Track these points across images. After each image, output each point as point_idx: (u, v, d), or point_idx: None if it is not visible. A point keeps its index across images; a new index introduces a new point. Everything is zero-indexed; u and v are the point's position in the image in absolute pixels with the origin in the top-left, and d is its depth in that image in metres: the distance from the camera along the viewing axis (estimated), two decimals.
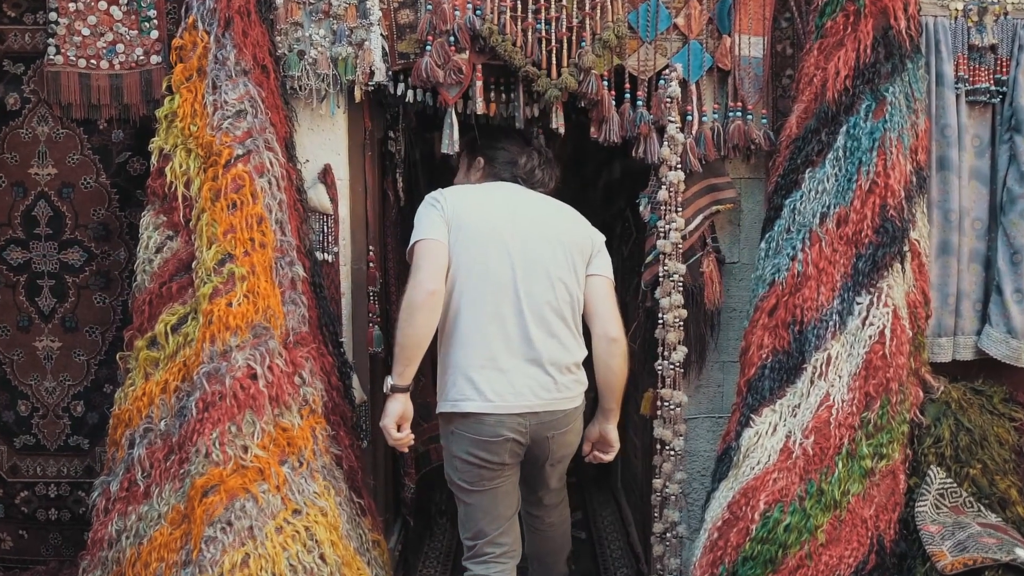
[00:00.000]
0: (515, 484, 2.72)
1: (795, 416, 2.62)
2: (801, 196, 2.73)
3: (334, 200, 2.90)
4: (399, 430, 2.62)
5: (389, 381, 2.61)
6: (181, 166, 2.66)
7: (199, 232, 2.59)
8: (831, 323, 2.63)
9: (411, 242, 2.61)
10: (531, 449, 2.65)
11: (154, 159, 2.69)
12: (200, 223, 2.60)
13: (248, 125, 2.64)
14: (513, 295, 2.59)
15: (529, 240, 2.62)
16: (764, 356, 2.72)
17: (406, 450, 2.77)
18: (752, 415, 2.69)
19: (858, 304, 2.61)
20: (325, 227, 2.91)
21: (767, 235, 2.81)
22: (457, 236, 2.59)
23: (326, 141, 2.90)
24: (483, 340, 2.58)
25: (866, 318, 2.60)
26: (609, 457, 2.87)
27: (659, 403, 2.96)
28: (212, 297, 2.52)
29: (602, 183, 4.79)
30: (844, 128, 2.68)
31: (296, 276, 2.70)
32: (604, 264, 2.74)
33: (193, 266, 2.60)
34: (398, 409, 2.61)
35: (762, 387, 2.71)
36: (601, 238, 2.76)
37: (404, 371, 2.59)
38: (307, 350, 2.69)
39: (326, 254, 2.92)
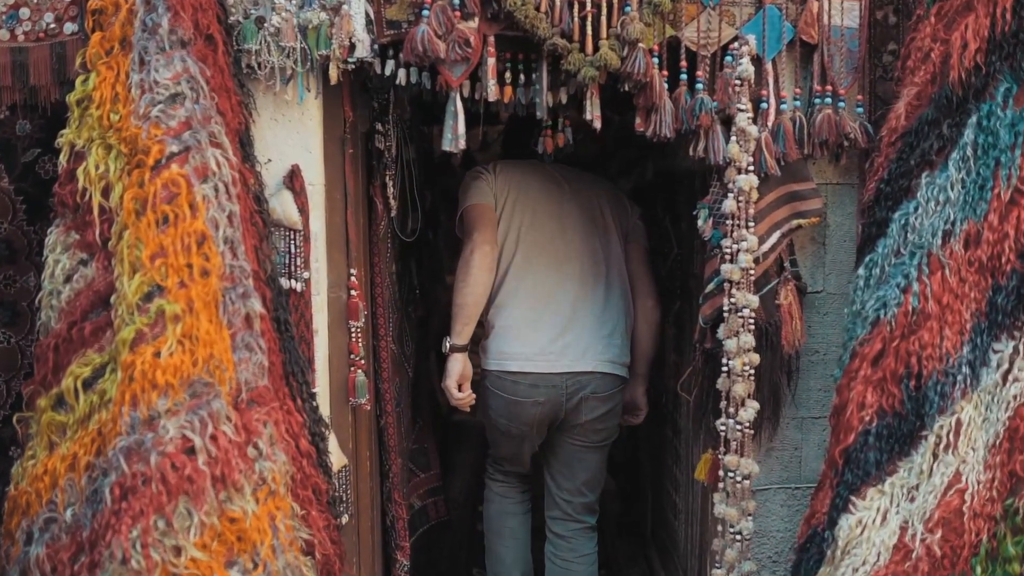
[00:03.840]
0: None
1: (913, 501, 2.10)
2: (915, 208, 2.20)
3: (304, 211, 2.41)
4: (460, 390, 2.89)
5: (447, 342, 2.89)
6: (98, 167, 2.15)
7: (119, 256, 2.09)
8: (959, 377, 2.09)
9: (459, 209, 2.96)
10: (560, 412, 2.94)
11: (63, 158, 2.20)
12: (121, 244, 2.10)
13: (186, 113, 2.14)
14: (562, 261, 2.92)
15: (572, 209, 2.94)
16: (867, 419, 2.19)
17: (468, 409, 3.00)
18: (852, 496, 2.17)
19: (996, 353, 2.07)
20: (293, 246, 2.42)
21: (867, 258, 2.26)
22: (504, 203, 2.90)
23: (293, 135, 2.41)
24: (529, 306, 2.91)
25: (1008, 371, 2.06)
26: (637, 420, 3.23)
27: (721, 472, 2.36)
28: (135, 344, 2.01)
29: (631, 186, 4.21)
30: (974, 119, 2.14)
31: (252, 312, 2.18)
32: (640, 232, 3.12)
33: (112, 300, 2.08)
34: (458, 368, 2.88)
35: (865, 460, 2.19)
36: (637, 209, 3.17)
37: (463, 330, 2.87)
38: (266, 410, 2.18)
39: (294, 281, 2.43)
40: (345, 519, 2.59)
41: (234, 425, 2.05)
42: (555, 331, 2.90)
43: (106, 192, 2.10)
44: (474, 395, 2.94)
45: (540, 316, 2.89)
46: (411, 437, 3.47)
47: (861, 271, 2.27)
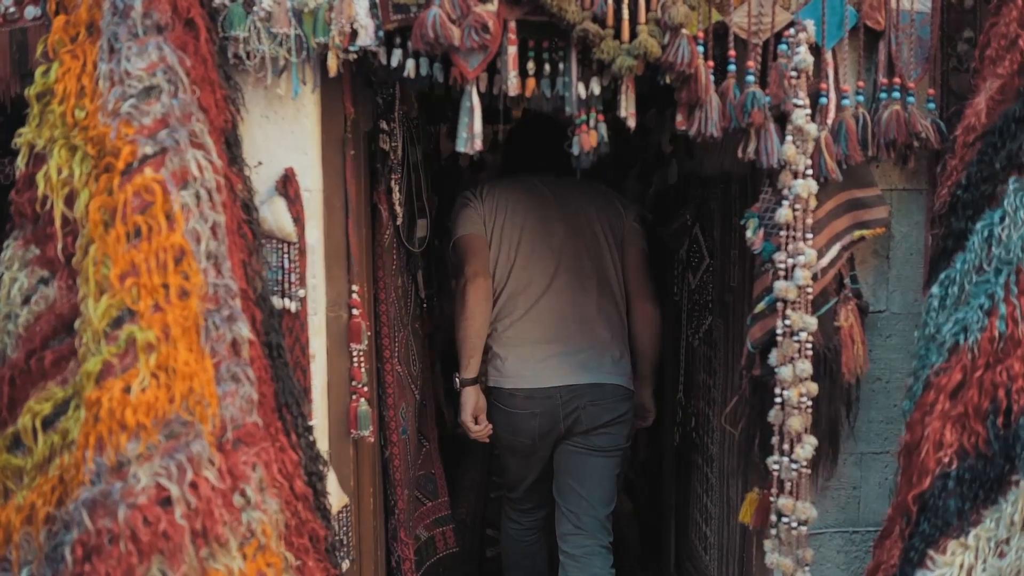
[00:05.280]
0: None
1: (1003, 557, 1.89)
2: (1001, 218, 1.98)
3: (299, 221, 2.18)
4: (476, 422, 3.01)
5: (457, 378, 3.00)
6: (60, 172, 1.94)
7: (85, 274, 1.87)
8: None
9: (452, 239, 3.07)
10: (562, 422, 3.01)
11: (21, 161, 2.00)
12: (87, 260, 1.88)
13: (163, 109, 1.91)
14: (552, 278, 3.01)
15: (561, 224, 3.04)
16: (946, 460, 1.96)
17: (487, 440, 3.11)
18: (930, 550, 1.96)
19: None
20: (286, 260, 2.19)
21: (943, 275, 2.01)
22: (493, 228, 3.01)
23: (287, 135, 2.18)
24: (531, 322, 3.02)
25: None
26: (646, 423, 3.33)
27: (773, 516, 2.10)
28: (101, 378, 1.78)
29: (652, 191, 3.95)
30: None
31: (239, 337, 1.95)
32: (636, 235, 3.15)
33: (77, 326, 1.86)
34: (472, 401, 2.99)
35: (944, 508, 1.96)
36: (632, 210, 3.22)
37: (470, 363, 2.98)
38: (255, 451, 1.96)
39: (288, 300, 2.20)
40: (346, 565, 2.36)
41: (218, 470, 1.82)
42: (548, 347, 3.01)
43: (70, 200, 1.88)
44: (491, 426, 3.04)
45: (533, 334, 3.00)
46: (417, 464, 3.23)
47: (935, 289, 2.02)
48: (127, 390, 1.72)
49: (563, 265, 3.03)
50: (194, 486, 1.75)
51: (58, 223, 1.87)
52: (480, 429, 3.00)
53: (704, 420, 3.24)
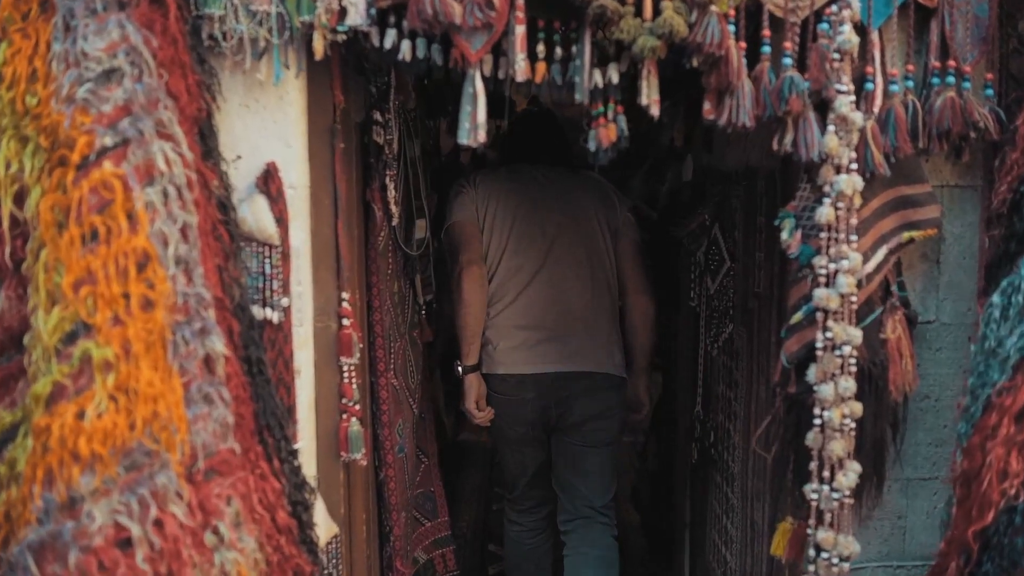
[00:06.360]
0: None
1: None
2: None
3: (283, 221, 1.99)
4: (479, 409, 3.08)
5: (459, 366, 3.06)
6: (9, 166, 1.77)
7: (35, 282, 1.66)
8: None
9: (444, 225, 3.10)
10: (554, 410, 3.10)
11: None
12: (37, 266, 1.68)
13: (125, 95, 1.72)
14: (544, 266, 3.05)
15: (555, 213, 3.07)
16: (1012, 492, 1.76)
17: (488, 424, 3.15)
18: None
19: None
20: (268, 265, 2.00)
21: (1005, 282, 1.84)
22: (486, 215, 3.05)
23: (269, 125, 1.98)
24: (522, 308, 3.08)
25: None
26: (640, 416, 3.35)
27: (812, 551, 1.89)
28: (51, 401, 1.60)
29: (666, 188, 3.75)
30: None
31: (212, 352, 1.76)
32: (631, 226, 3.19)
33: (26, 341, 1.66)
34: (474, 388, 3.06)
35: (1010, 546, 1.76)
36: (626, 202, 3.27)
37: (470, 350, 3.04)
38: (230, 481, 1.77)
39: (270, 310, 2.01)
40: None
41: (187, 505, 1.63)
42: (539, 333, 3.05)
43: (20, 198, 1.67)
44: (492, 411, 3.10)
45: (523, 320, 3.05)
46: (415, 482, 3.03)
47: (996, 298, 1.81)
48: (81, 415, 1.53)
49: (555, 252, 3.07)
50: (159, 524, 1.56)
51: (5, 224, 1.66)
52: (483, 415, 3.08)
53: (724, 435, 3.04)
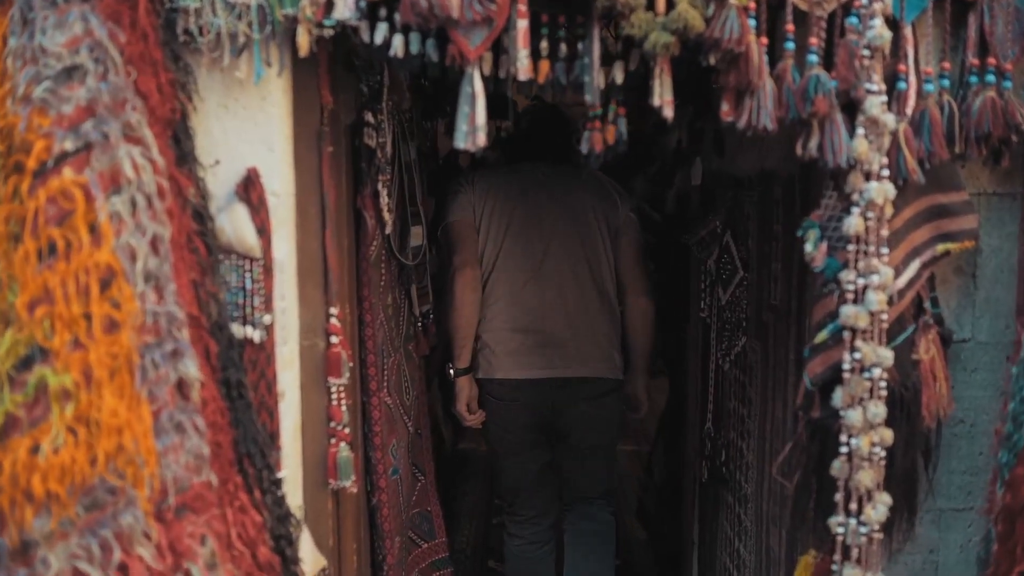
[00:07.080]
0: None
1: None
2: None
3: (265, 231, 1.85)
4: (470, 411, 3.13)
5: (451, 369, 3.12)
6: None
7: None
8: None
9: (441, 225, 3.07)
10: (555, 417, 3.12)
11: None
12: None
13: (88, 95, 1.60)
14: (541, 267, 3.04)
15: (553, 213, 3.04)
16: None
17: (480, 426, 3.21)
18: None
19: None
20: (249, 280, 1.86)
21: None
22: (483, 215, 3.02)
23: (250, 128, 1.84)
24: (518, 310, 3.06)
25: None
26: (638, 414, 3.35)
27: None
28: (3, 435, 1.50)
29: (673, 192, 3.62)
30: None
31: (186, 377, 1.64)
32: (632, 226, 3.16)
33: None
34: (466, 390, 3.10)
35: None
36: (629, 201, 3.22)
37: (462, 353, 3.06)
38: (205, 518, 1.67)
39: (251, 328, 1.87)
40: None
41: (156, 546, 1.52)
42: (535, 336, 3.05)
43: None
44: (483, 413, 3.14)
45: (519, 321, 3.04)
46: (411, 502, 2.90)
47: None
48: (35, 450, 1.41)
49: (552, 252, 3.06)
50: (123, 569, 1.45)
51: None
52: (474, 418, 3.14)
53: (736, 454, 2.91)
